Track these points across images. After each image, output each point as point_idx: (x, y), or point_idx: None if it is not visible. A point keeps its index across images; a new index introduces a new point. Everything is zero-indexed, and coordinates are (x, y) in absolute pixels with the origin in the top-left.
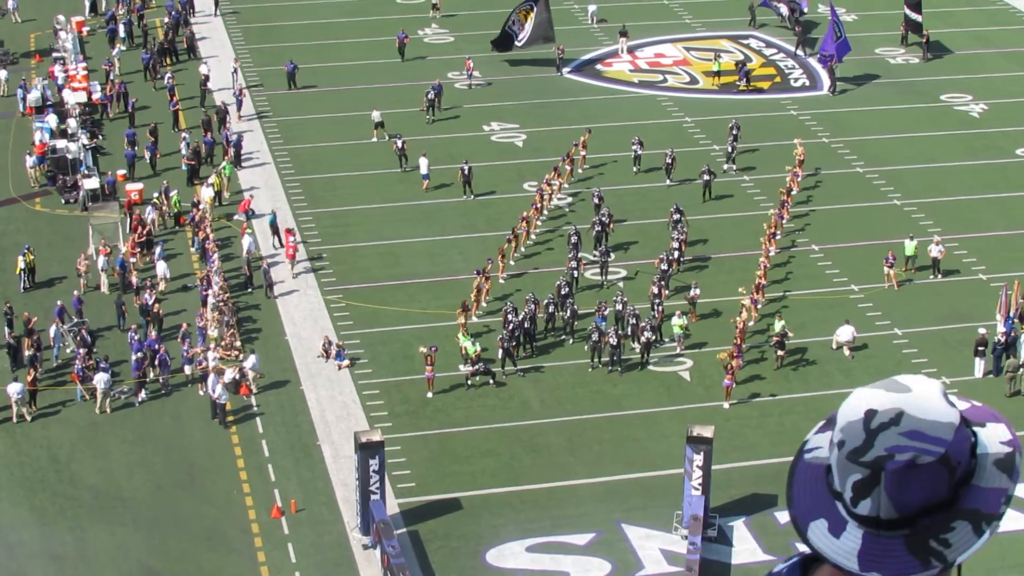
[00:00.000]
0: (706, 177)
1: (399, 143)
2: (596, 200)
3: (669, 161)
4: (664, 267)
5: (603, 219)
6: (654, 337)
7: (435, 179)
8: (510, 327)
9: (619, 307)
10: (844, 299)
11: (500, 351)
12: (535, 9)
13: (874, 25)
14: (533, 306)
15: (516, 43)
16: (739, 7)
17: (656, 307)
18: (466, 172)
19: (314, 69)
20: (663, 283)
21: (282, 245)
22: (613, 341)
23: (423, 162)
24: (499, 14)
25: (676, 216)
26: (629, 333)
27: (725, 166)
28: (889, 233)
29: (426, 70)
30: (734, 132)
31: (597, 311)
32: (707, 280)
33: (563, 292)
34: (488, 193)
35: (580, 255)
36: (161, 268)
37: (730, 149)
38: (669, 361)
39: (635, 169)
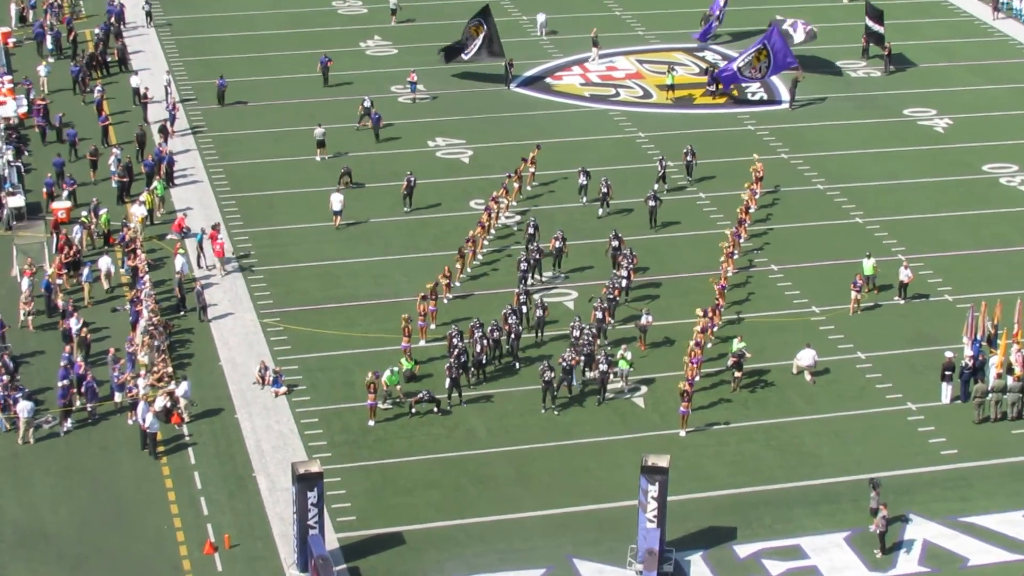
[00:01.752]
0: (651, 203)
1: (412, 180)
2: (531, 230)
3: (604, 190)
4: (611, 296)
5: (557, 244)
6: (609, 371)
7: (378, 197)
8: (455, 352)
9: (576, 333)
10: (805, 321)
11: (448, 380)
12: (484, 24)
13: (834, 37)
14: (479, 334)
15: (463, 55)
16: (693, 20)
17: (595, 333)
18: (412, 183)
19: (250, 83)
20: (606, 308)
21: (201, 249)
22: (565, 364)
23: (336, 197)
24: (449, 25)
25: (615, 244)
26: (584, 362)
27: (655, 186)
28: (851, 253)
29: (368, 85)
30: (687, 159)
31: (569, 353)
32: (661, 303)
33: (509, 320)
34: (432, 206)
35: (529, 284)
36: (105, 263)
37: (660, 169)
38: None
39: (583, 201)
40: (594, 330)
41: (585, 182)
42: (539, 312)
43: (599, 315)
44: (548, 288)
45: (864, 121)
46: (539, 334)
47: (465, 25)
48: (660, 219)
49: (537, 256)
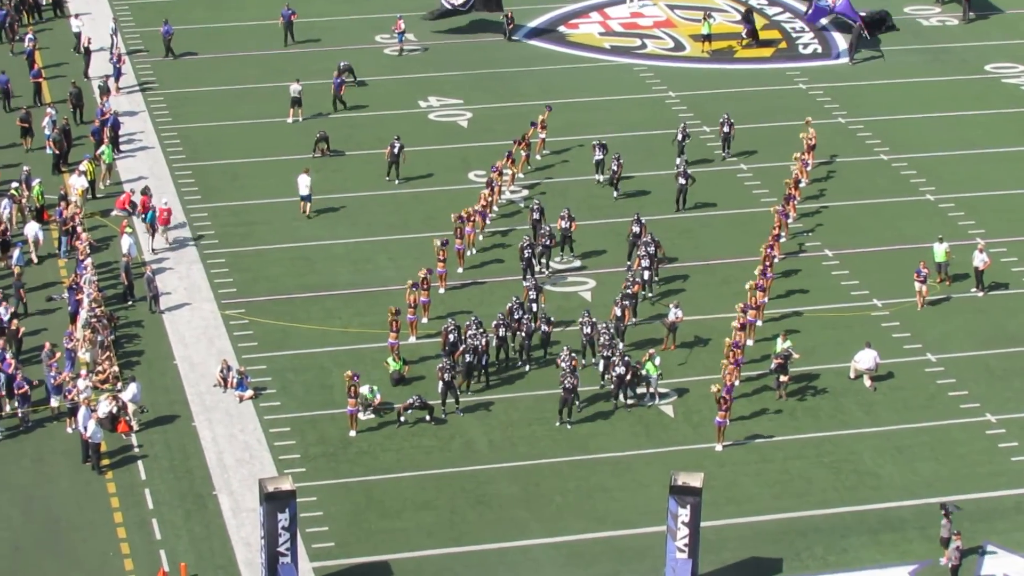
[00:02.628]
0: (681, 181)
1: (398, 145)
2: (536, 215)
3: (616, 168)
4: (630, 291)
5: (564, 226)
6: (627, 373)
7: (360, 168)
8: (458, 352)
9: (587, 329)
10: (864, 317)
11: (440, 383)
12: None
13: None
14: (478, 332)
15: (460, 6)
16: None
17: (617, 333)
18: (396, 151)
19: (209, 30)
20: (626, 304)
21: (153, 229)
22: (566, 367)
23: (303, 180)
24: None
25: (636, 229)
26: (599, 365)
27: (677, 160)
28: (921, 236)
29: (348, 34)
30: (724, 131)
31: (566, 358)
32: (694, 295)
33: (516, 315)
34: (424, 177)
35: (536, 275)
36: (32, 230)
37: (681, 137)
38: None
39: (598, 178)
40: (612, 328)
41: (601, 157)
42: (544, 328)
43: (618, 312)
44: (560, 276)
45: (938, 79)
46: (545, 349)
47: None
48: (692, 197)
49: (548, 243)
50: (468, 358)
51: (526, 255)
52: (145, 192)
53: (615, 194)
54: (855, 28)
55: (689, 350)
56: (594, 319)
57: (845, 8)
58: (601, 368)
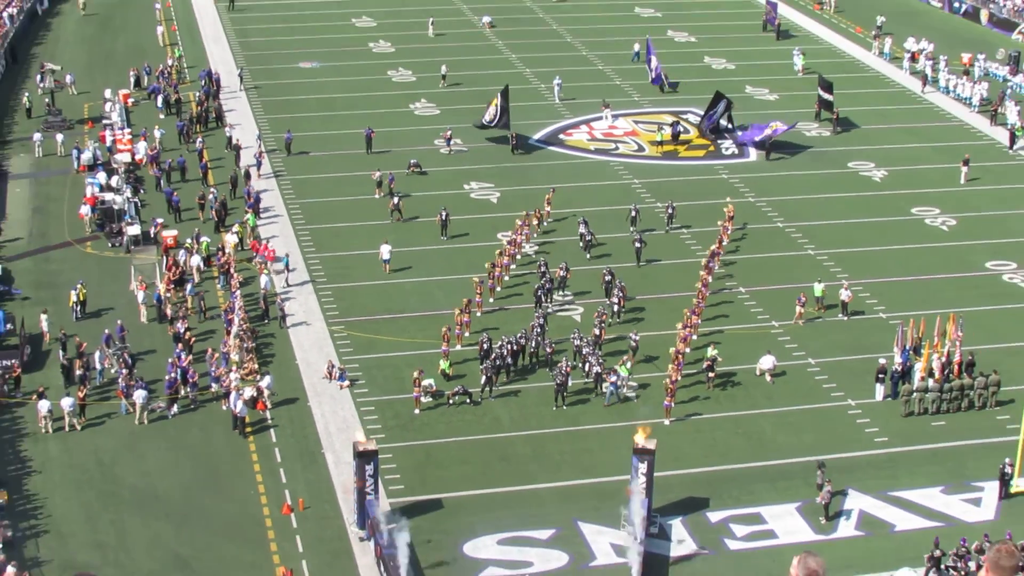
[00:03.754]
0: (637, 245)
1: (445, 213)
2: (543, 268)
3: (589, 238)
4: (600, 318)
5: (562, 274)
6: (601, 371)
7: (424, 230)
8: (492, 356)
9: (576, 342)
10: (766, 333)
11: (483, 378)
12: (499, 98)
13: (792, 104)
14: (508, 345)
15: (484, 119)
16: (680, 87)
17: (597, 347)
18: (443, 217)
19: (321, 136)
20: (602, 326)
21: (287, 270)
22: (560, 371)
23: (384, 248)
24: (485, 91)
25: (608, 278)
26: (583, 366)
27: (631, 229)
28: (805, 278)
29: (415, 138)
30: (669, 211)
31: (564, 363)
32: (651, 319)
33: (536, 332)
34: (465, 235)
35: (544, 307)
36: (196, 261)
37: (633, 212)
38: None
39: (581, 246)
40: (591, 342)
41: (584, 231)
42: (547, 350)
43: (597, 332)
44: (561, 308)
45: (816, 172)
46: (550, 368)
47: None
48: (649, 253)
49: (549, 287)
50: (499, 362)
51: (537, 294)
52: (256, 238)
53: (588, 255)
54: (767, 137)
55: (651, 362)
56: (581, 334)
57: (779, 131)
58: (585, 369)
